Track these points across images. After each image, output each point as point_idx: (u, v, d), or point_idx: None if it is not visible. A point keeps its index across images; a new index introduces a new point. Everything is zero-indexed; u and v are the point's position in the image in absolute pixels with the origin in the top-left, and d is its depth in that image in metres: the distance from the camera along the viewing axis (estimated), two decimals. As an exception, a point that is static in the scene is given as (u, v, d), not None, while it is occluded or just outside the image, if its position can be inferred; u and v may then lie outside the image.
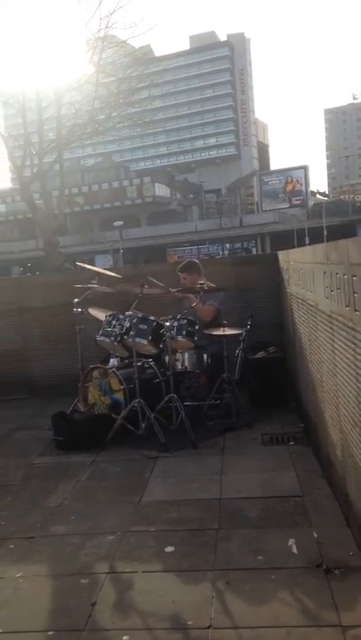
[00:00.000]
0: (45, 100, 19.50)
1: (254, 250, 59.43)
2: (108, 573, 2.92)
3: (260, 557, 2.94)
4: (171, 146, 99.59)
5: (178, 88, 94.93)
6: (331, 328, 3.22)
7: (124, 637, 2.40)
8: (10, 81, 19.54)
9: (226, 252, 58.44)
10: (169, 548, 3.10)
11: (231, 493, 3.75)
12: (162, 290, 5.38)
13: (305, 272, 4.18)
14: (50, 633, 2.48)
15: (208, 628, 2.41)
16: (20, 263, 63.29)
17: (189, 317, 5.10)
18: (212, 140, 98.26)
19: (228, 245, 60.25)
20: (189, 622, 2.46)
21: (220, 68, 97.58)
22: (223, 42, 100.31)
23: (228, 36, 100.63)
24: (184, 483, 4.03)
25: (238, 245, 60.94)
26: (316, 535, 3.09)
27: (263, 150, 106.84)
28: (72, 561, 3.08)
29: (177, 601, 2.63)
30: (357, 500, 2.88)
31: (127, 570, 2.95)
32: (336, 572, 2.72)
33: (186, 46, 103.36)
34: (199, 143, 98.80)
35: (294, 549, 2.98)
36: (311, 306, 3.92)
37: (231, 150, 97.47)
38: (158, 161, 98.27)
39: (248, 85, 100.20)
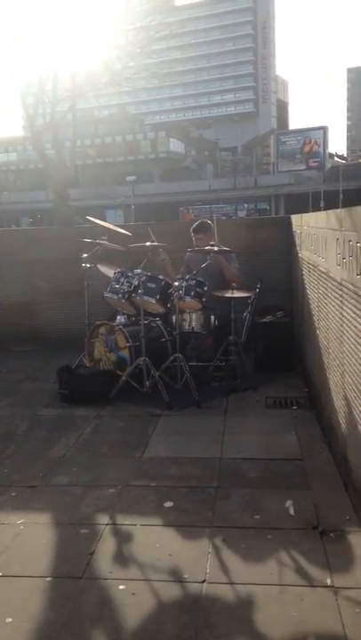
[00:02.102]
0: (60, 46, 18.92)
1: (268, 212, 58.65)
2: (107, 525, 2.99)
3: (257, 517, 2.99)
4: (188, 100, 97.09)
5: (197, 40, 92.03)
6: (341, 296, 3.19)
7: (121, 587, 2.47)
8: (24, 24, 18.94)
9: (243, 212, 57.64)
10: (168, 504, 3.16)
11: (232, 453, 3.80)
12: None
13: (318, 237, 4.12)
14: (48, 579, 2.56)
15: (203, 582, 2.48)
16: (29, 214, 62.87)
17: (198, 278, 5.06)
18: (231, 96, 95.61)
19: (246, 205, 59.38)
20: (185, 576, 2.53)
21: (242, 21, 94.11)
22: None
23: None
24: (186, 441, 4.09)
25: (252, 206, 60.15)
26: (313, 498, 3.14)
27: (282, 108, 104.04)
28: (72, 511, 3.15)
29: (174, 554, 2.69)
30: (357, 466, 2.91)
31: (126, 522, 3.01)
32: (332, 534, 2.77)
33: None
34: (217, 98, 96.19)
35: (291, 511, 3.03)
36: (322, 272, 3.87)
37: (250, 107, 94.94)
38: (174, 115, 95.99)
39: (270, 40, 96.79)
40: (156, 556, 2.69)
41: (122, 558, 2.71)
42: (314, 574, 2.49)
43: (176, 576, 2.54)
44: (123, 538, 2.89)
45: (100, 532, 2.92)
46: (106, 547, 2.79)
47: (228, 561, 2.63)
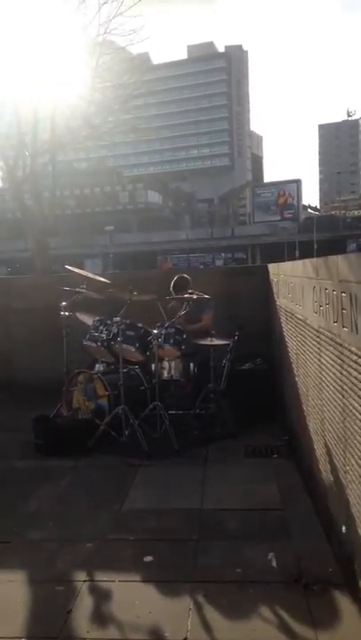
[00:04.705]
0: (40, 100, 19.40)
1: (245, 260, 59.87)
2: (84, 581, 2.89)
3: (238, 570, 2.92)
4: (164, 154, 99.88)
5: (174, 97, 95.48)
6: (318, 343, 3.23)
7: (99, 647, 2.37)
8: (4, 80, 19.41)
9: (221, 261, 58.82)
10: (148, 558, 3.08)
11: (212, 504, 3.74)
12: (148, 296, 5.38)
13: (294, 286, 4.19)
14: (23, 640, 2.45)
15: (184, 640, 2.39)
16: (8, 263, 62.95)
17: (177, 326, 5.09)
18: (207, 150, 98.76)
19: (223, 255, 60.61)
20: (166, 634, 2.44)
21: (216, 79, 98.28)
22: (221, 53, 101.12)
23: (226, 47, 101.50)
24: (165, 492, 4.01)
25: (229, 256, 61.38)
26: (295, 550, 3.08)
27: (257, 162, 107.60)
28: (48, 568, 3.04)
29: (154, 612, 2.60)
30: (338, 516, 2.88)
31: (104, 578, 2.92)
32: (315, 587, 2.71)
33: (184, 55, 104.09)
34: (193, 152, 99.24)
35: (273, 563, 2.97)
36: (300, 320, 3.93)
37: (225, 161, 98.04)
38: (152, 168, 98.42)
39: (244, 97, 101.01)
40: (135, 613, 2.60)
41: (100, 616, 2.60)
42: (297, 630, 2.42)
43: (156, 634, 2.45)
44: (101, 595, 2.78)
45: (78, 589, 2.82)
46: (83, 604, 2.69)
47: (210, 617, 2.55)
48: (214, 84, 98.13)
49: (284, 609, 2.56)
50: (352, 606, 2.54)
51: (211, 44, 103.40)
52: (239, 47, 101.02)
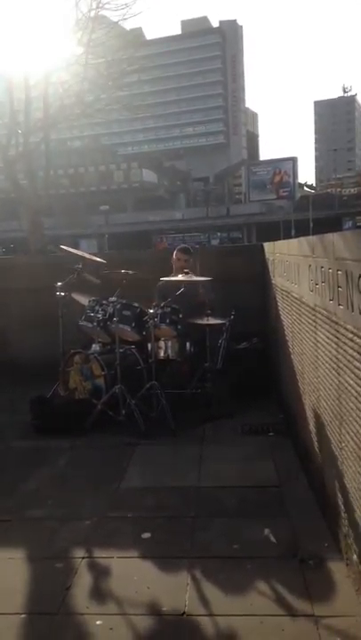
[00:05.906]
0: (33, 78, 19.09)
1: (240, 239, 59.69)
2: (83, 558, 2.92)
3: (235, 546, 2.96)
4: (159, 131, 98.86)
5: (168, 73, 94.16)
6: (314, 321, 3.23)
7: (98, 622, 2.41)
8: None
9: (217, 240, 58.61)
10: (145, 535, 3.11)
11: (209, 482, 3.77)
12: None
13: (290, 264, 4.18)
14: (22, 616, 2.48)
15: (182, 614, 2.43)
16: (2, 243, 62.58)
17: (173, 305, 5.08)
18: (202, 128, 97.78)
19: (218, 234, 60.39)
20: (164, 608, 2.48)
21: (211, 55, 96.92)
22: (215, 28, 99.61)
23: (221, 22, 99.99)
24: (163, 470, 4.04)
25: (225, 235, 61.19)
26: (291, 526, 3.12)
27: (252, 140, 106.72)
28: (47, 545, 3.07)
29: (152, 587, 2.64)
30: (334, 492, 2.91)
31: (103, 555, 2.95)
32: (311, 562, 2.75)
33: (177, 31, 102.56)
34: (188, 130, 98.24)
35: (270, 539, 3.00)
36: (295, 298, 3.93)
37: (220, 138, 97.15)
38: (146, 146, 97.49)
39: (239, 74, 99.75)
40: (133, 588, 2.64)
41: (99, 592, 2.64)
42: (294, 604, 2.46)
43: (155, 609, 2.48)
44: (99, 571, 2.82)
45: (76, 565, 2.85)
46: (82, 581, 2.72)
47: (208, 592, 2.58)
48: (209, 59, 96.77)
49: (281, 583, 2.60)
50: (347, 579, 2.59)
51: (205, 19, 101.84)
52: (234, 22, 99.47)
